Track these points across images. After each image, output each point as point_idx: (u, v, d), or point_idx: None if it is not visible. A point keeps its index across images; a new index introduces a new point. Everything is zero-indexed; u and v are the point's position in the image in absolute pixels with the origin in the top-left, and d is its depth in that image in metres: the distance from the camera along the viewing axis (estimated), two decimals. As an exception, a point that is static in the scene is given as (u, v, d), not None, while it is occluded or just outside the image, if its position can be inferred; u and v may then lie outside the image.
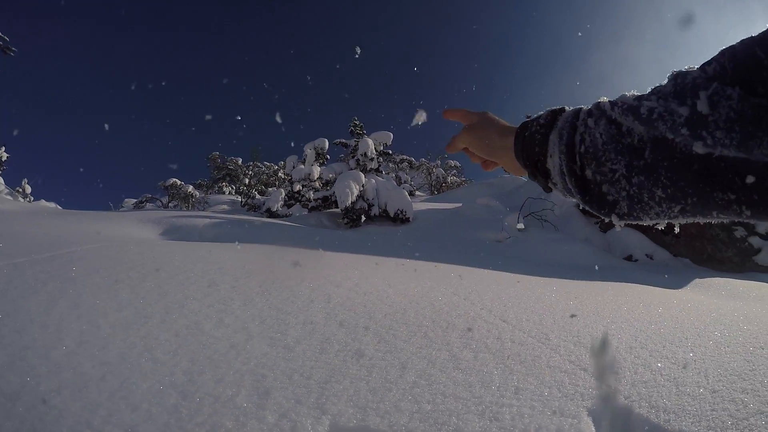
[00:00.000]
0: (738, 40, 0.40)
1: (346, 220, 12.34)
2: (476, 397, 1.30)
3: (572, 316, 2.18)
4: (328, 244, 6.02)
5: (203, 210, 18.27)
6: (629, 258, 8.97)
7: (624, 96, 0.48)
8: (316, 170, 14.67)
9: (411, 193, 21.16)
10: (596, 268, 6.38)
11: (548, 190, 0.58)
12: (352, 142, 15.46)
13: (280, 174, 23.76)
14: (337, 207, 13.05)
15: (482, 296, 2.45)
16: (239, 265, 2.58)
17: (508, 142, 0.61)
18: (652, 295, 3.18)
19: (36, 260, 2.20)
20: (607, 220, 0.51)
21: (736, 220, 0.43)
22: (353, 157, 14.85)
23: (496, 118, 0.67)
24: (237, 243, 4.13)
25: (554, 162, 0.53)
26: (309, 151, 15.24)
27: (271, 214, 15.17)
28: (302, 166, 14.94)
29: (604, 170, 0.48)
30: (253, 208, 17.97)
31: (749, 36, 0.39)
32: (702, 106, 0.38)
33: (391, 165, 24.26)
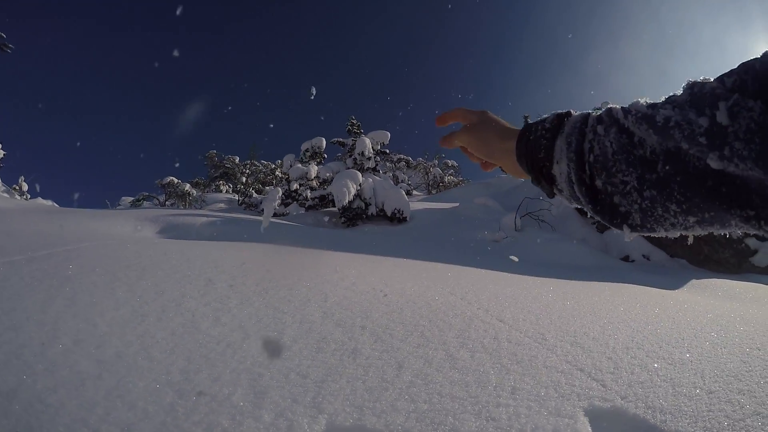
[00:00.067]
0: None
1: (343, 219, 12.34)
2: (473, 396, 1.30)
3: (575, 315, 2.18)
4: (325, 244, 6.02)
5: (200, 208, 18.22)
6: (626, 258, 9.00)
7: (636, 103, 0.46)
8: (314, 169, 14.65)
9: (408, 193, 21.16)
10: (587, 267, 6.39)
11: (552, 195, 0.56)
12: (349, 141, 15.46)
13: (277, 173, 23.70)
14: (334, 206, 13.05)
15: (479, 296, 2.45)
16: (236, 263, 2.57)
17: (510, 145, 0.59)
18: (649, 296, 3.19)
19: (33, 258, 2.19)
20: (618, 232, 0.49)
21: (758, 234, 0.41)
22: (350, 156, 14.84)
23: (497, 117, 0.65)
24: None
25: (561, 169, 0.51)
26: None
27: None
28: (299, 165, 14.93)
29: (615, 181, 0.46)
30: (250, 206, 17.94)
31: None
32: (722, 117, 0.37)
33: (388, 164, 24.27)
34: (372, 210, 12.29)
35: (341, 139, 16.15)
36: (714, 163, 0.38)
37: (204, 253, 2.85)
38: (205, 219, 7.72)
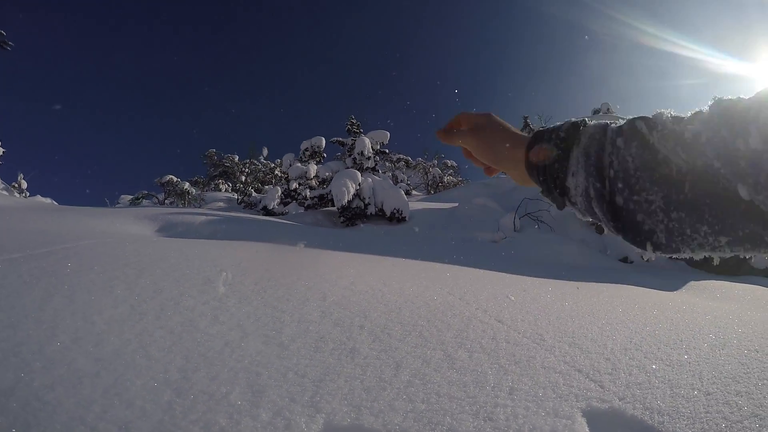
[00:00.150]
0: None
1: (342, 218, 12.35)
2: (471, 397, 1.30)
3: (574, 315, 2.18)
4: (324, 243, 6.02)
5: (199, 207, 18.22)
6: (625, 260, 9.02)
7: (660, 116, 0.43)
8: (313, 168, 14.66)
9: (407, 193, 21.18)
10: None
11: (562, 207, 0.54)
12: (349, 141, 15.47)
13: (276, 172, 23.71)
14: (333, 205, 13.06)
15: (477, 296, 2.45)
16: (235, 262, 2.57)
17: (519, 154, 0.56)
18: (648, 297, 3.19)
19: (31, 256, 2.19)
20: (639, 251, 0.46)
21: None
22: (350, 155, 14.85)
23: (503, 122, 0.62)
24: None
25: (577, 182, 0.48)
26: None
27: (268, 212, 15.15)
28: (299, 164, 14.93)
29: (639, 200, 0.43)
30: (250, 205, 17.94)
31: None
32: (755, 142, 0.34)
33: (387, 164, 24.29)
34: (371, 210, 12.30)
35: (341, 139, 16.16)
36: (744, 192, 0.36)
37: (203, 251, 2.85)
38: (204, 218, 7.72)
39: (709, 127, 0.38)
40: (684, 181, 0.40)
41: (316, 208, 14.45)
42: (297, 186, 14.81)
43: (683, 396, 1.39)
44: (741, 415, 1.29)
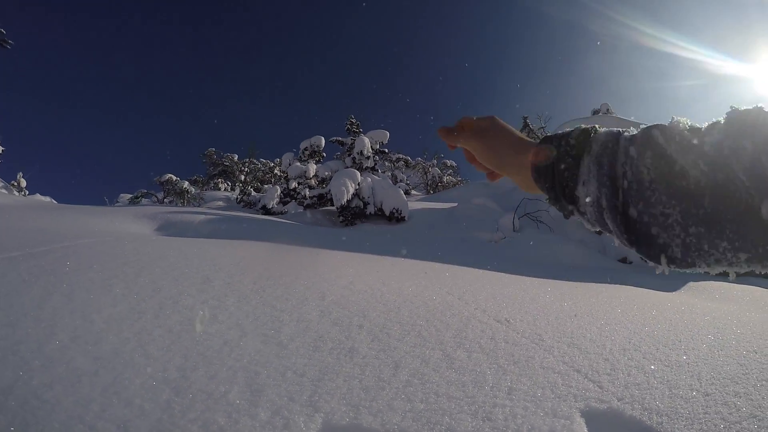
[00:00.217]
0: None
1: (341, 218, 12.35)
2: (469, 396, 1.30)
3: (574, 315, 2.18)
4: (323, 242, 6.02)
5: (198, 206, 18.20)
6: (624, 260, 9.02)
7: (677, 126, 0.42)
8: (312, 168, 14.66)
9: (407, 192, 21.19)
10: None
11: (569, 216, 0.52)
12: (348, 140, 15.46)
13: (276, 171, 23.70)
14: (332, 205, 13.06)
15: (476, 296, 2.45)
16: (234, 261, 2.57)
17: (524, 160, 0.54)
18: (646, 298, 3.20)
19: (30, 254, 2.19)
20: (652, 264, 0.44)
21: None
22: (349, 155, 14.84)
23: (507, 126, 0.60)
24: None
25: (589, 191, 0.46)
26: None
27: (267, 211, 15.14)
28: (298, 164, 14.92)
29: (654, 212, 0.41)
30: (249, 204, 17.93)
31: None
32: None
33: (387, 164, 24.29)
34: (370, 209, 12.30)
35: (340, 138, 16.15)
36: (766, 211, 0.34)
37: (202, 250, 2.85)
38: (203, 217, 7.72)
39: (732, 139, 0.37)
40: (703, 195, 0.38)
41: (316, 208, 14.45)
42: (296, 185, 14.82)
43: (682, 396, 1.39)
44: (739, 416, 1.29)
